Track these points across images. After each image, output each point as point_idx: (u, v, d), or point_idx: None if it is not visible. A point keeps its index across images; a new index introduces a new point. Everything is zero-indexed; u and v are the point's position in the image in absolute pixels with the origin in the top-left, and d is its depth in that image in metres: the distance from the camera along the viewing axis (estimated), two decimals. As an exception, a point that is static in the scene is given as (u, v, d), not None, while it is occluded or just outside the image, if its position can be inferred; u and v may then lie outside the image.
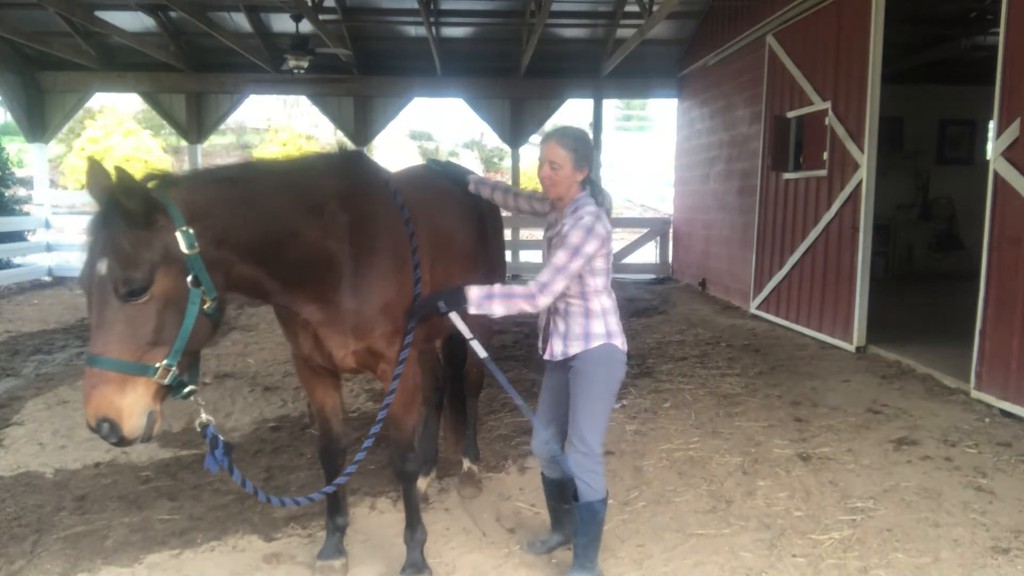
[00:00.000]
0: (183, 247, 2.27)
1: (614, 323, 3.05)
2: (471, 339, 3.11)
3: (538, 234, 3.83)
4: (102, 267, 2.19)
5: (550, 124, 16.01)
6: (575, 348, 3.02)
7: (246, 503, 4.00)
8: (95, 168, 2.28)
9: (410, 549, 3.22)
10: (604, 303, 3.03)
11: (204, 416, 2.46)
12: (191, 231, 2.28)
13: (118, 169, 2.22)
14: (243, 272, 2.50)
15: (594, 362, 3.00)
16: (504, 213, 4.17)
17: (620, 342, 3.05)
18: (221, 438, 2.46)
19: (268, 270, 2.58)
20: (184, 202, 2.31)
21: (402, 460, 3.18)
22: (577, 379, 3.04)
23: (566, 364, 3.09)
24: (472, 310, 2.89)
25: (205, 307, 2.33)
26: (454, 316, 2.99)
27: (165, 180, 2.38)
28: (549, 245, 3.12)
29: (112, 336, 2.19)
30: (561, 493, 3.29)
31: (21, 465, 4.58)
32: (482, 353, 3.13)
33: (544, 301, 2.87)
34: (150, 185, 2.31)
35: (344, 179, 2.91)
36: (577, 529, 3.09)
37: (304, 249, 2.67)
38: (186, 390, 2.35)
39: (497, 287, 2.91)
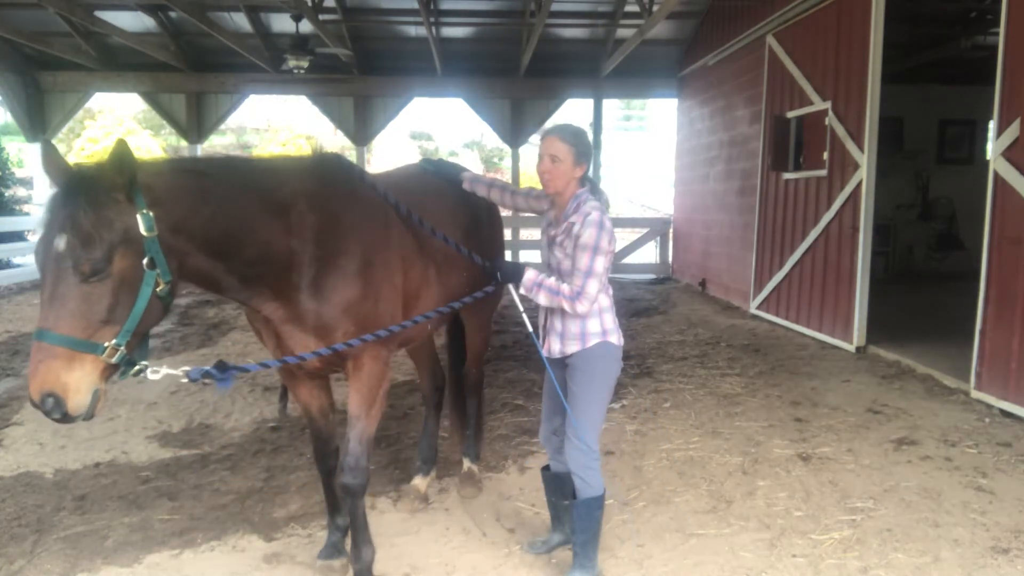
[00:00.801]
0: (142, 229, 2.28)
1: (610, 320, 3.08)
2: (523, 312, 3.15)
3: (538, 234, 3.83)
4: (60, 243, 2.19)
5: (550, 124, 15.96)
6: (572, 347, 3.07)
7: (246, 503, 4.01)
8: (49, 150, 2.34)
9: (356, 572, 3.13)
10: (601, 301, 3.05)
11: (181, 371, 2.53)
12: (151, 214, 2.30)
13: (119, 142, 2.23)
14: (198, 264, 2.51)
15: (591, 360, 3.04)
16: (504, 213, 4.16)
17: (616, 339, 3.08)
18: (208, 368, 2.55)
19: (225, 265, 2.59)
20: (145, 186, 2.33)
21: (350, 471, 2.99)
22: (574, 377, 3.08)
23: (563, 361, 3.13)
24: (521, 290, 3.03)
25: (158, 289, 2.34)
26: (511, 288, 3.10)
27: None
28: (549, 243, 3.14)
29: (64, 312, 2.19)
30: (562, 488, 3.30)
31: (21, 465, 4.58)
32: (527, 322, 3.20)
33: (582, 307, 2.94)
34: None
35: (315, 181, 2.91)
36: (576, 527, 3.10)
37: (264, 247, 2.66)
38: (135, 368, 2.36)
39: (552, 279, 3.00)
